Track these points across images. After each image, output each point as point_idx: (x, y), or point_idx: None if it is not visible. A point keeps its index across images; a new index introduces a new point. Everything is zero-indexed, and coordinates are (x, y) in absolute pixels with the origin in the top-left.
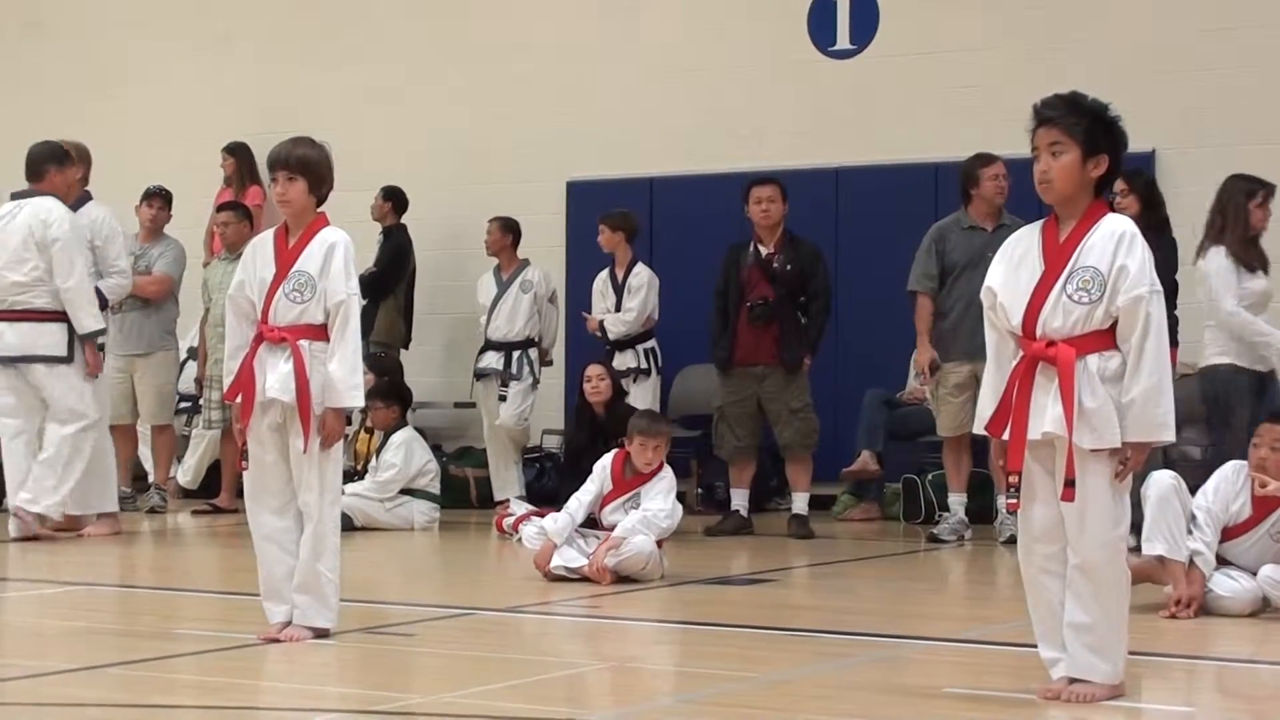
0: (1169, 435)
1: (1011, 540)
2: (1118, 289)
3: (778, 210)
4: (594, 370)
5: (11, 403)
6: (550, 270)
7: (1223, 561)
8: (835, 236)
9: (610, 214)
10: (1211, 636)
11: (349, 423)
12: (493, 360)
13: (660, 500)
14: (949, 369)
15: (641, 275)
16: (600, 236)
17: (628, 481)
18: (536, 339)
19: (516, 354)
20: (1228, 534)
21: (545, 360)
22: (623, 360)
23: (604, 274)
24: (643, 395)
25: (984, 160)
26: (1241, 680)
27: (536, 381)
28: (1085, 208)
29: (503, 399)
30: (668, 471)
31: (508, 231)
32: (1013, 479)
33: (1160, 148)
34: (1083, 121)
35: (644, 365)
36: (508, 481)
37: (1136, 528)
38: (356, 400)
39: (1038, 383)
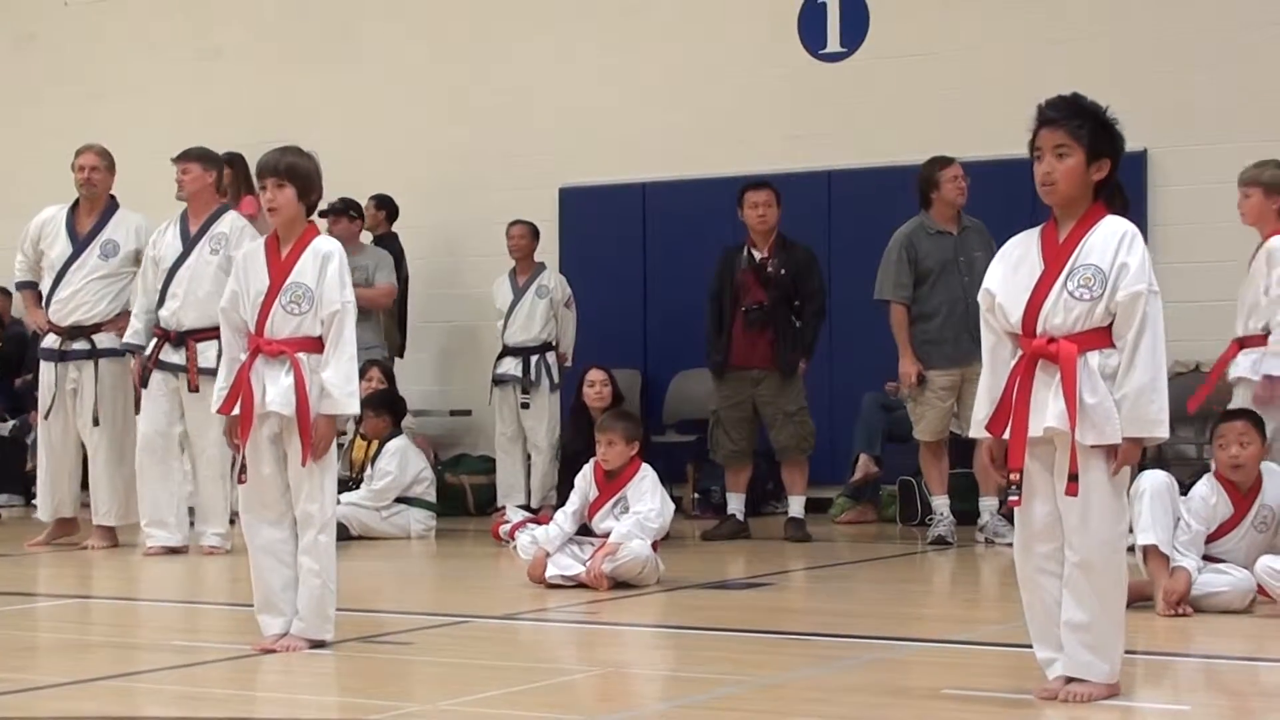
0: (1162, 432)
1: (989, 542)
2: (1118, 286)
3: (773, 215)
4: (596, 375)
5: None
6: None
7: (1213, 560)
8: (828, 240)
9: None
10: (1207, 634)
11: (342, 432)
12: (511, 366)
13: (648, 500)
14: (936, 375)
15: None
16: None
17: (610, 485)
18: (553, 343)
19: (535, 359)
20: (1214, 535)
21: (563, 365)
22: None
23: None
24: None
25: (942, 163)
26: (1237, 678)
27: (556, 386)
28: (1085, 210)
29: (525, 406)
30: (647, 470)
31: (534, 237)
32: (1014, 477)
33: (1151, 147)
34: (1087, 124)
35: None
36: (513, 489)
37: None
38: (353, 407)
39: (1038, 380)
